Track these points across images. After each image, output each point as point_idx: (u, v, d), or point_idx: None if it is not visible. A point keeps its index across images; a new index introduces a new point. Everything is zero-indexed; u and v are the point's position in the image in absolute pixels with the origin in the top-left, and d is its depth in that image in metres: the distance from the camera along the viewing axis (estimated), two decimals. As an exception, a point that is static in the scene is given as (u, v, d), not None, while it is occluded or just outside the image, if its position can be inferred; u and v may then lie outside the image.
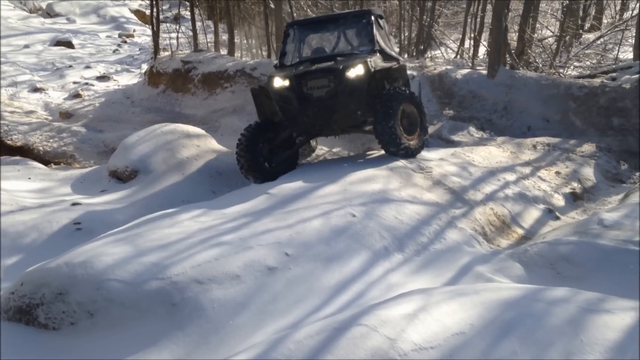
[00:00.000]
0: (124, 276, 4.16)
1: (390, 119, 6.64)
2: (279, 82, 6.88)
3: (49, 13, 23.56)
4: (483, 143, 8.20)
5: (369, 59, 6.88)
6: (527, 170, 6.90)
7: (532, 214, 5.95)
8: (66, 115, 11.47)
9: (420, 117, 7.24)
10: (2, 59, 14.47)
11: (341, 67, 6.72)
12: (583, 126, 8.71)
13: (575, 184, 6.85)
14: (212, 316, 3.88)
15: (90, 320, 3.95)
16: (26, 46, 16.92)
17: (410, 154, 6.82)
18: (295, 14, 14.19)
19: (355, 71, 6.71)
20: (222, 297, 4.08)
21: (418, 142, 7.05)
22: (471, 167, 6.59)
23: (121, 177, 7.50)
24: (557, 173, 7.03)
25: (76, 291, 4.08)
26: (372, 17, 7.51)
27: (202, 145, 8.25)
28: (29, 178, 7.41)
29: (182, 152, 7.89)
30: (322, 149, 9.18)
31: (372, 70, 6.85)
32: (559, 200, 6.46)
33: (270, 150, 7.32)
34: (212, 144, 8.53)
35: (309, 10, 15.69)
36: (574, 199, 6.55)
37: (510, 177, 6.52)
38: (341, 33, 8.05)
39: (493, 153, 7.27)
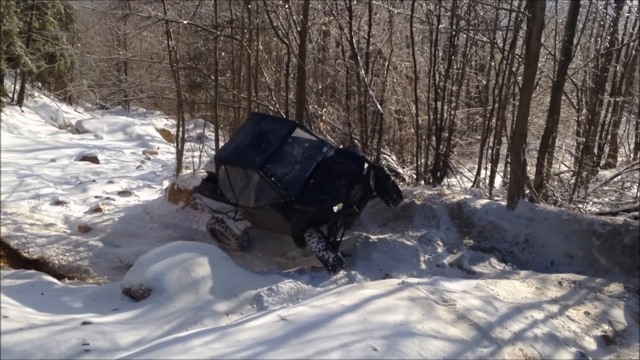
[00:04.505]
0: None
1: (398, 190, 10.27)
2: (337, 207, 8.87)
3: (78, 129, 24.58)
4: (506, 276, 7.99)
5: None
6: (554, 308, 6.63)
7: (564, 357, 5.62)
8: (85, 229, 11.53)
9: None
10: (27, 172, 14.87)
11: (357, 168, 9.42)
12: (608, 264, 8.49)
13: (606, 327, 6.53)
14: None
15: None
16: (52, 160, 17.39)
17: None
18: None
19: (366, 168, 9.52)
20: None
21: None
22: (496, 301, 6.37)
23: (134, 296, 7.34)
24: (587, 313, 6.73)
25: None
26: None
27: (218, 264, 8.16)
28: (42, 293, 7.28)
29: (197, 271, 7.78)
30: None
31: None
32: (590, 344, 6.13)
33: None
34: (229, 263, 8.44)
35: (328, 135, 16.27)
36: (606, 343, 6.22)
37: (538, 315, 6.26)
38: (294, 148, 9.85)
39: (517, 288, 7.05)
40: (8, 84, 24.92)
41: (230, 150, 9.73)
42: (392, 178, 10.21)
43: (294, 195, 9.04)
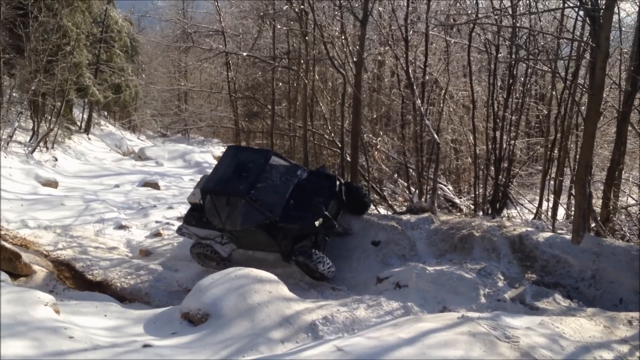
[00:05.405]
0: None
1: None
2: (319, 221, 9.90)
3: (140, 156, 25.57)
4: (571, 313, 7.64)
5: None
6: (625, 349, 6.28)
7: (637, 402, 5.31)
8: (146, 253, 11.84)
9: None
10: (92, 197, 15.47)
11: (330, 186, 10.58)
12: (682, 303, 8.03)
13: (682, 369, 6.15)
14: None
15: None
16: (116, 186, 18.02)
17: None
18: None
19: (338, 185, 10.74)
20: None
21: None
22: (562, 340, 6.10)
23: (193, 320, 7.44)
24: (661, 355, 6.36)
25: None
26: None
27: (273, 291, 8.17)
28: (105, 315, 7.49)
29: (253, 298, 7.81)
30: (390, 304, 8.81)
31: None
32: (666, 387, 5.77)
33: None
34: (284, 291, 8.43)
35: (382, 164, 16.27)
36: (682, 387, 5.84)
37: (607, 355, 5.94)
38: (272, 173, 10.87)
39: (584, 326, 6.73)
40: (77, 112, 26.28)
41: (214, 181, 10.54)
42: (364, 190, 11.71)
43: (278, 215, 10.05)
